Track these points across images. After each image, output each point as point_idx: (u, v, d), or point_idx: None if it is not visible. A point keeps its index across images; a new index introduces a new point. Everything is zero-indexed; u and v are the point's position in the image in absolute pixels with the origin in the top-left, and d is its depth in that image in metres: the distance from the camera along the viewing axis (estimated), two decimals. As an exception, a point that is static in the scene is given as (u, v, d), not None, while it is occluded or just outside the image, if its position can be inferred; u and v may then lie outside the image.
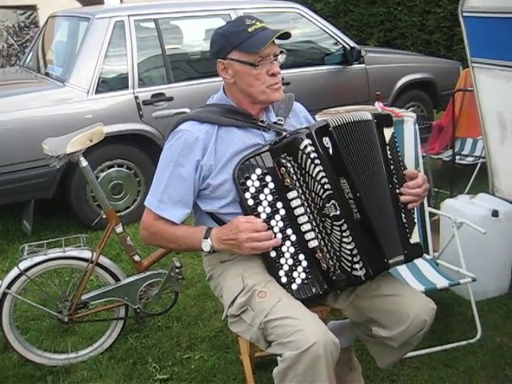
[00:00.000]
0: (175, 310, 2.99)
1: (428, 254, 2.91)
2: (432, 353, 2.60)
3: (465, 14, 3.19)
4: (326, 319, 2.12)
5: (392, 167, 1.89)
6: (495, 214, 2.95)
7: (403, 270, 2.73)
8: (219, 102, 1.97)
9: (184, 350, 2.74)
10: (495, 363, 2.56)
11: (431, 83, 5.72)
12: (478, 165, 4.28)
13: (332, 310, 2.08)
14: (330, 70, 5.05)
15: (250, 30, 1.81)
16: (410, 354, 2.53)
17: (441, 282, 2.60)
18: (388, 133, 1.91)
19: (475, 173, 4.25)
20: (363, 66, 5.22)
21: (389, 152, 1.89)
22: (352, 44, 5.15)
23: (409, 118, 2.97)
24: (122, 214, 4.17)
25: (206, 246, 1.84)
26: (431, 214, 3.04)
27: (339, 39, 5.12)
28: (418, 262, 2.84)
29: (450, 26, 8.31)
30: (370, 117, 1.86)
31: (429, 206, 3.04)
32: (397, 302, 1.86)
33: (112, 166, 4.13)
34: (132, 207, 4.26)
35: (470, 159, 4.60)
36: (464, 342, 2.67)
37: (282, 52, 1.88)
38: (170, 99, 4.22)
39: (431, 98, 5.79)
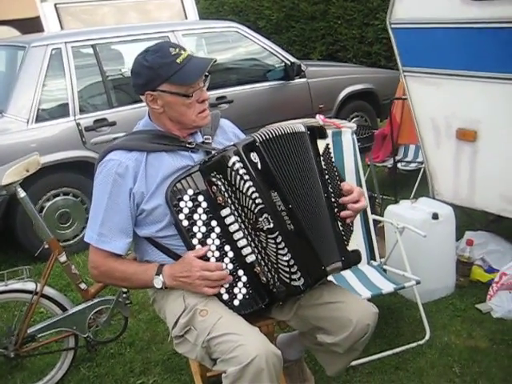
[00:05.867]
0: (128, 336, 2.95)
1: (375, 260, 2.96)
2: (383, 357, 2.64)
3: (393, 26, 3.31)
4: (272, 332, 2.13)
5: (327, 177, 1.92)
6: (435, 216, 3.03)
7: (351, 278, 2.78)
8: (146, 128, 1.97)
9: (138, 375, 2.70)
10: (444, 361, 2.62)
11: (373, 93, 5.87)
12: (422, 170, 4.39)
13: (278, 322, 2.09)
14: (272, 85, 5.12)
15: (178, 60, 1.80)
16: (362, 360, 2.58)
17: (386, 287, 2.64)
18: (322, 144, 1.95)
19: (419, 178, 4.35)
20: (305, 80, 5.32)
21: (323, 163, 1.93)
22: (292, 59, 5.25)
23: (347, 129, 3.01)
24: (71, 242, 4.11)
25: (158, 282, 1.84)
26: (376, 221, 3.11)
27: (279, 55, 5.21)
28: (365, 268, 2.90)
29: (389, 36, 8.51)
30: (302, 129, 1.89)
31: (373, 213, 3.09)
32: (339, 309, 1.90)
33: (58, 195, 4.06)
34: (81, 235, 4.17)
35: (413, 165, 4.71)
36: (414, 344, 2.72)
37: (206, 76, 1.89)
38: (113, 124, 4.19)
39: (374, 107, 5.93)
